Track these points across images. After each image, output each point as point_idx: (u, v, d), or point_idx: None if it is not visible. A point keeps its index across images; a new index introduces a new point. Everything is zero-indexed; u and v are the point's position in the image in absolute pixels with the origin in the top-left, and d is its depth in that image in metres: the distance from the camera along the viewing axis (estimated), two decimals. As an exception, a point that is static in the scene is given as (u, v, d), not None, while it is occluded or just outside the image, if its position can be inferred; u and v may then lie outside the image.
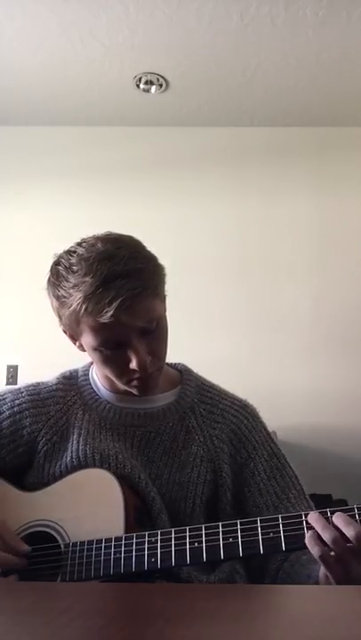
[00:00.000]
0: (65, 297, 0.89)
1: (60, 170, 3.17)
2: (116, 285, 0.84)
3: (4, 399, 1.03)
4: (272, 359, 2.97)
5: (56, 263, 0.94)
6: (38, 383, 1.07)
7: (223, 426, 1.01)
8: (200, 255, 3.02)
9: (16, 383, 2.93)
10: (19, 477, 0.98)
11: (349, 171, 3.11)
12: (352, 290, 3.02)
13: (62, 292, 0.90)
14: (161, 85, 2.79)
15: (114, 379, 0.96)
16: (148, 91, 2.82)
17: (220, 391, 1.08)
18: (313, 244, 3.08)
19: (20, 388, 1.06)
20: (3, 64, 2.65)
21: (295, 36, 2.41)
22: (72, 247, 0.93)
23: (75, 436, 0.97)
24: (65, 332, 0.98)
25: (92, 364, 1.09)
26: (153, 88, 2.80)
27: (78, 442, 0.96)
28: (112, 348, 0.90)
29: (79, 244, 0.93)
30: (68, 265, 0.90)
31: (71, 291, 0.87)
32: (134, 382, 0.94)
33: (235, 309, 3.02)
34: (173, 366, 1.09)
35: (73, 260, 0.90)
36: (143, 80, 2.75)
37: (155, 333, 0.91)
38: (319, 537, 0.72)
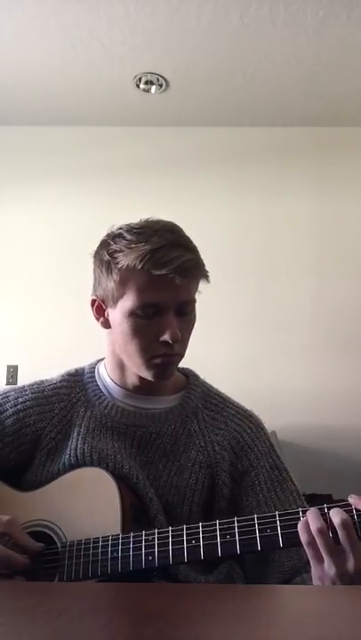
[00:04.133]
0: (121, 251, 0.91)
1: (60, 170, 3.17)
2: (179, 251, 0.89)
3: (7, 397, 1.02)
4: (272, 359, 2.97)
5: (112, 231, 0.97)
6: (42, 381, 1.06)
7: (226, 433, 1.00)
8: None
9: (16, 383, 2.93)
10: (19, 476, 0.97)
11: (349, 171, 3.11)
12: (352, 290, 3.02)
13: (121, 246, 0.91)
14: (161, 85, 2.79)
15: (137, 354, 0.93)
16: (148, 91, 2.82)
17: (225, 399, 1.07)
18: (313, 243, 3.08)
19: (23, 386, 1.05)
20: (2, 64, 2.64)
21: (295, 36, 2.41)
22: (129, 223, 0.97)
23: (75, 434, 0.97)
24: (94, 302, 0.98)
25: (99, 361, 1.08)
26: (153, 88, 2.80)
27: (77, 440, 0.96)
28: (149, 316, 0.91)
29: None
30: (129, 229, 0.94)
31: (133, 245, 0.90)
32: (157, 360, 0.92)
33: (234, 309, 3.02)
34: (180, 370, 1.08)
35: (136, 226, 0.94)
36: (143, 80, 2.75)
37: (187, 318, 0.95)
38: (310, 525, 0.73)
